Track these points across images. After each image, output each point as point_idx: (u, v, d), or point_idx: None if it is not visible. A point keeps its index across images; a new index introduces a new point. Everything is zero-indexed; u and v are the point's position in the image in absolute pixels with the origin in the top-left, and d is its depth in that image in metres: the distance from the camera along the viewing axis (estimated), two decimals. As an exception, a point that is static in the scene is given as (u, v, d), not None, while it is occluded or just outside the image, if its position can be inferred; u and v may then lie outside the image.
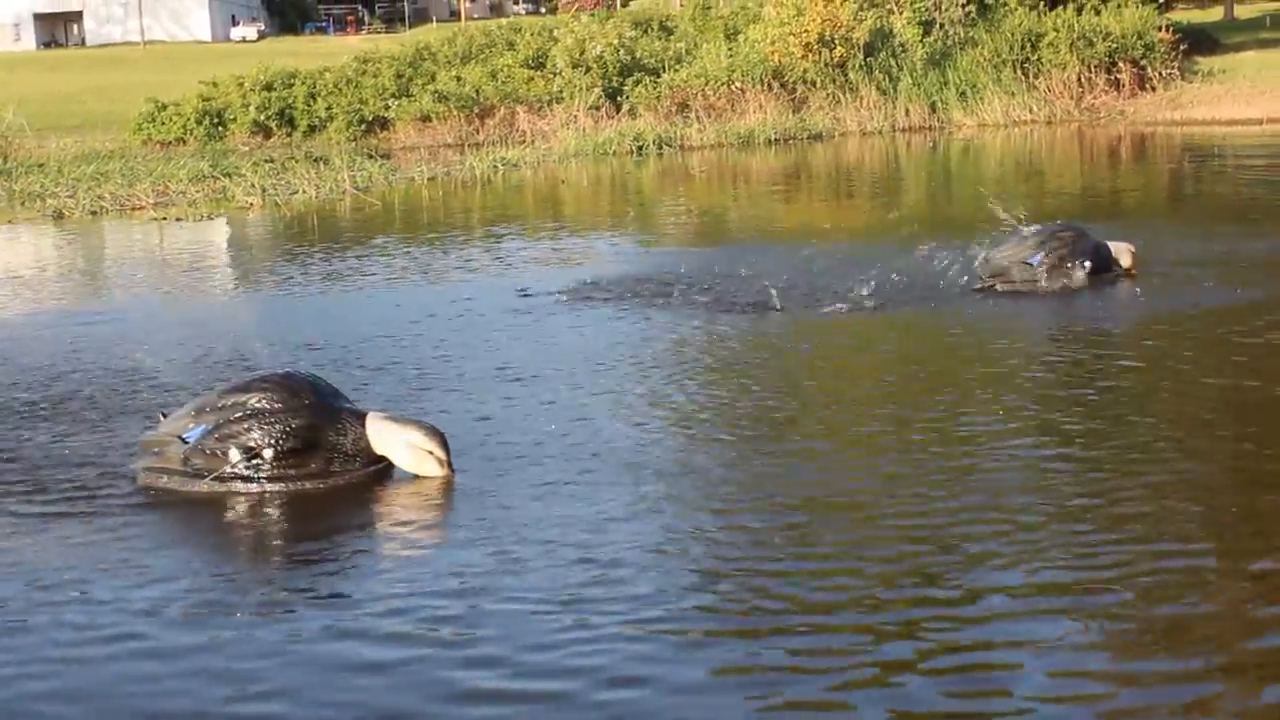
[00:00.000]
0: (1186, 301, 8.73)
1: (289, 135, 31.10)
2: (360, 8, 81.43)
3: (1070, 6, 30.18)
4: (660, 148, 25.27)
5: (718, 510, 5.13)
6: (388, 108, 30.40)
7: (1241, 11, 47.27)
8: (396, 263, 12.69)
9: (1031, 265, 9.23)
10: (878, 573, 4.42)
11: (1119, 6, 30.33)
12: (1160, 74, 29.01)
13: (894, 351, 7.98)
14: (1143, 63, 29.04)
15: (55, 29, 75.06)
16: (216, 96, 32.28)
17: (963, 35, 29.45)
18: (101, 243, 16.51)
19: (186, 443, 5.61)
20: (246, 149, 28.36)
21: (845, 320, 8.73)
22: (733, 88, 28.16)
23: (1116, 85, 28.66)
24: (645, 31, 33.92)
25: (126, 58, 60.66)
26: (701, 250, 12.69)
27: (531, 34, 33.64)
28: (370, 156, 24.44)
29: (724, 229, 14.94)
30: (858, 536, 4.79)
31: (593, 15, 38.48)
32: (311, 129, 31.04)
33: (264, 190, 19.60)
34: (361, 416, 5.67)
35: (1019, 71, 28.37)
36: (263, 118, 31.21)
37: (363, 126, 30.52)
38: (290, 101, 31.55)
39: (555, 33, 32.89)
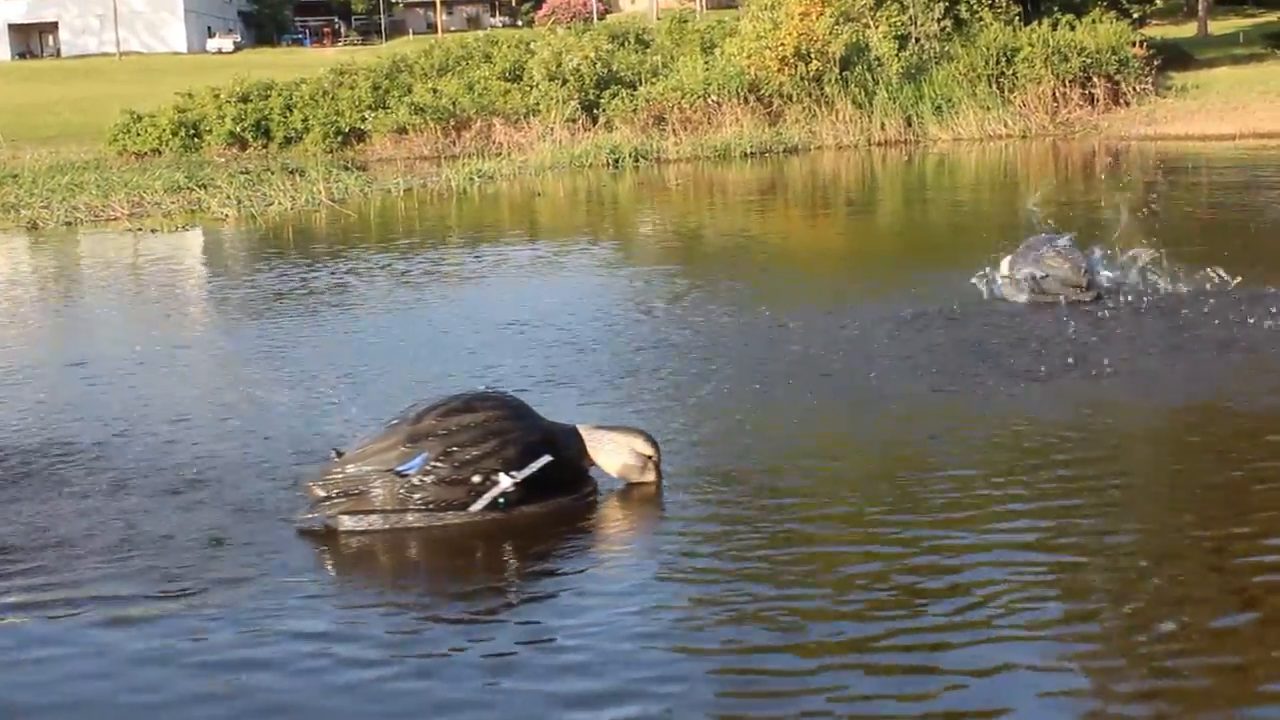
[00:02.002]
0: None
1: (265, 147, 31.10)
2: (337, 20, 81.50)
3: (1045, 22, 30.36)
4: (636, 160, 25.25)
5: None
6: (364, 120, 30.39)
7: (1215, 28, 47.62)
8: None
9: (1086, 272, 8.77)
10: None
11: (1093, 22, 30.53)
12: (1134, 89, 29.21)
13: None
14: (1117, 78, 29.22)
15: (30, 40, 74.81)
16: (192, 108, 32.26)
17: (938, 50, 29.60)
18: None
19: (405, 475, 4.97)
20: (222, 160, 28.35)
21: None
22: (709, 101, 28.20)
23: (1091, 100, 28.82)
24: (622, 44, 34.02)
25: (102, 69, 60.51)
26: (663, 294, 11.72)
27: (508, 46, 33.72)
28: (346, 168, 24.42)
29: (694, 260, 13.64)
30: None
31: (569, 28, 38.60)
32: (288, 141, 31.04)
33: (239, 202, 19.55)
34: (572, 429, 5.35)
35: (994, 86, 28.48)
36: (239, 129, 31.19)
37: (339, 138, 30.52)
38: (266, 113, 31.53)
39: (532, 45, 32.97)
